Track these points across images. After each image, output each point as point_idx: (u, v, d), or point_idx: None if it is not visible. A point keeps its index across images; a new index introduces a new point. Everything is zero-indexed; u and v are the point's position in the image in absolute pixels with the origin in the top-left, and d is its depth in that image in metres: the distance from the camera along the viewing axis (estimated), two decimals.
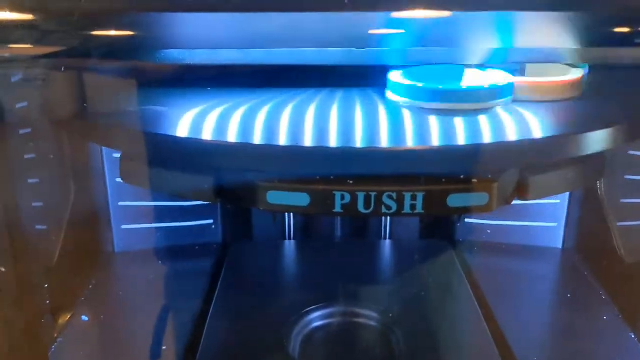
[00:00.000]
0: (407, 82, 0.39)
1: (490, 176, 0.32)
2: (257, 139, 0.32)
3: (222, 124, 0.34)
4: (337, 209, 0.31)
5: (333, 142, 0.31)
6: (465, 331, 0.60)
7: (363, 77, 0.40)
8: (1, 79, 0.50)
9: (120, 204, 0.73)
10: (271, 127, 0.34)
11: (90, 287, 0.67)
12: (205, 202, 0.69)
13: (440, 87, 0.38)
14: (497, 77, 0.41)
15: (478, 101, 0.38)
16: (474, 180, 0.32)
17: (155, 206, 0.74)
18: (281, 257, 0.75)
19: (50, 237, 0.65)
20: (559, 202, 0.73)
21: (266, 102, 0.38)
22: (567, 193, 0.73)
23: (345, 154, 0.31)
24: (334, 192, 0.31)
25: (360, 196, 0.31)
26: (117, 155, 0.70)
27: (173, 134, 0.33)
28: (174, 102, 0.40)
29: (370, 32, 0.37)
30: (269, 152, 0.32)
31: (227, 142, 0.32)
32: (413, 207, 0.31)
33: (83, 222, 0.71)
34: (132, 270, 0.72)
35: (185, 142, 0.33)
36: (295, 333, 0.59)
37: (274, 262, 0.73)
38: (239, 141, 0.32)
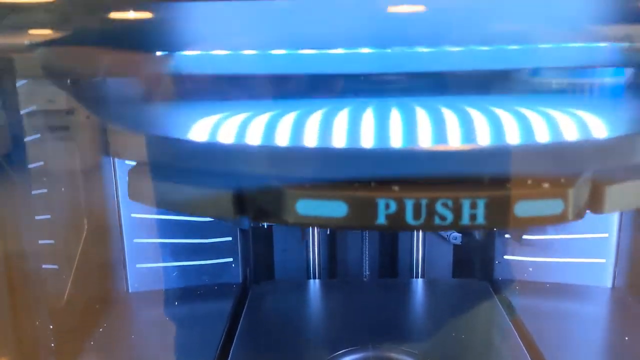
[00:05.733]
0: None
1: (563, 180, 0.27)
2: (283, 141, 0.28)
3: (242, 131, 0.30)
4: (381, 220, 0.26)
5: (373, 142, 0.27)
6: None
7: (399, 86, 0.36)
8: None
9: (135, 241, 0.69)
10: (298, 131, 0.29)
11: (101, 329, 0.62)
12: (224, 221, 0.65)
13: None
14: None
15: None
16: (545, 185, 0.27)
17: (172, 244, 0.70)
18: (307, 298, 0.70)
19: (60, 276, 0.61)
20: (607, 236, 0.68)
21: (290, 110, 0.34)
22: (616, 225, 0.67)
23: (390, 153, 0.26)
24: (376, 200, 0.26)
25: (409, 204, 0.26)
26: None
27: (188, 139, 0.29)
28: (188, 110, 0.36)
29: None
30: (298, 154, 0.27)
31: (249, 144, 0.27)
32: (473, 217, 0.26)
33: (95, 260, 0.68)
34: (146, 312, 0.68)
35: (202, 146, 0.28)
36: None
37: (299, 303, 0.68)
38: (263, 144, 0.27)
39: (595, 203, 0.29)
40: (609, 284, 0.69)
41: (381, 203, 0.26)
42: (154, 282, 0.70)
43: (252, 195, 0.28)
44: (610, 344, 0.62)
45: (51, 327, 0.53)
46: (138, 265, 0.70)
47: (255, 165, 0.27)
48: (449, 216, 0.26)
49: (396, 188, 0.26)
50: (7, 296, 0.49)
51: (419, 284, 0.72)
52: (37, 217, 0.58)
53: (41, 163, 0.60)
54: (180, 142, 0.29)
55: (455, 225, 0.26)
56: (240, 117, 0.32)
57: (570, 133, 0.28)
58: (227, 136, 0.29)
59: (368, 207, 0.26)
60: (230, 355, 0.57)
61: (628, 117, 0.33)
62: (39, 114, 0.56)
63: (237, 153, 0.27)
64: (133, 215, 0.68)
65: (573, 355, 0.57)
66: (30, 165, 0.57)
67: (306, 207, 0.26)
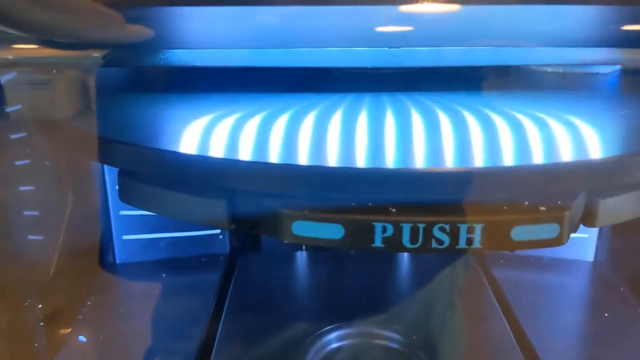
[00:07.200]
0: None
1: (559, 202, 0.27)
2: (278, 156, 0.27)
3: (234, 137, 0.29)
4: (377, 243, 0.26)
5: (368, 161, 0.26)
6: (495, 352, 0.55)
7: (393, 81, 0.35)
8: None
9: (122, 212, 0.68)
10: (292, 141, 0.29)
11: (89, 303, 0.63)
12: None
13: None
14: None
15: None
16: (542, 208, 0.26)
17: (159, 216, 0.69)
18: (294, 269, 0.70)
19: (46, 248, 0.61)
20: None
21: (284, 111, 0.33)
22: None
23: (386, 176, 0.26)
24: (373, 223, 0.26)
25: (406, 228, 0.26)
26: None
27: (178, 150, 0.28)
28: (178, 109, 0.35)
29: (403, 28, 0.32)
30: (293, 174, 0.26)
31: (242, 161, 0.27)
32: (470, 241, 0.26)
33: (81, 232, 0.67)
34: (134, 283, 0.68)
35: (193, 160, 0.27)
36: (311, 355, 0.54)
37: (286, 275, 0.68)
38: (256, 159, 0.26)
39: (588, 218, 0.29)
40: (591, 258, 0.70)
41: (378, 227, 0.26)
42: (141, 253, 0.70)
43: (248, 213, 0.28)
44: (590, 317, 0.63)
45: (39, 306, 0.53)
46: (125, 237, 0.69)
47: (249, 185, 0.27)
48: (446, 240, 0.26)
49: (393, 210, 0.26)
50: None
51: (403, 254, 0.73)
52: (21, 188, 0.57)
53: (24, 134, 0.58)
54: (169, 154, 0.28)
55: (452, 249, 0.27)
56: (230, 120, 0.31)
57: (566, 150, 0.28)
58: (218, 147, 0.28)
59: (364, 230, 0.26)
60: (220, 326, 0.58)
61: (622, 126, 0.32)
62: None
63: (230, 169, 0.27)
64: None
65: (549, 326, 0.59)
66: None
67: (302, 228, 0.26)
